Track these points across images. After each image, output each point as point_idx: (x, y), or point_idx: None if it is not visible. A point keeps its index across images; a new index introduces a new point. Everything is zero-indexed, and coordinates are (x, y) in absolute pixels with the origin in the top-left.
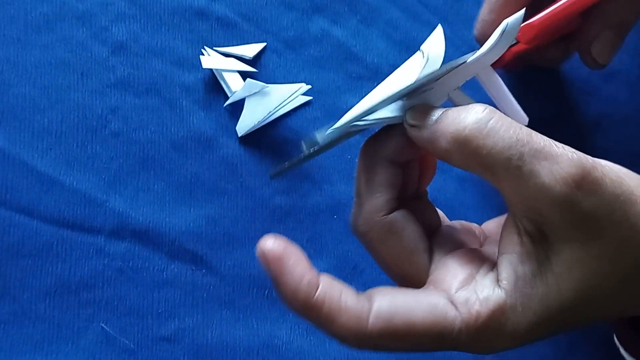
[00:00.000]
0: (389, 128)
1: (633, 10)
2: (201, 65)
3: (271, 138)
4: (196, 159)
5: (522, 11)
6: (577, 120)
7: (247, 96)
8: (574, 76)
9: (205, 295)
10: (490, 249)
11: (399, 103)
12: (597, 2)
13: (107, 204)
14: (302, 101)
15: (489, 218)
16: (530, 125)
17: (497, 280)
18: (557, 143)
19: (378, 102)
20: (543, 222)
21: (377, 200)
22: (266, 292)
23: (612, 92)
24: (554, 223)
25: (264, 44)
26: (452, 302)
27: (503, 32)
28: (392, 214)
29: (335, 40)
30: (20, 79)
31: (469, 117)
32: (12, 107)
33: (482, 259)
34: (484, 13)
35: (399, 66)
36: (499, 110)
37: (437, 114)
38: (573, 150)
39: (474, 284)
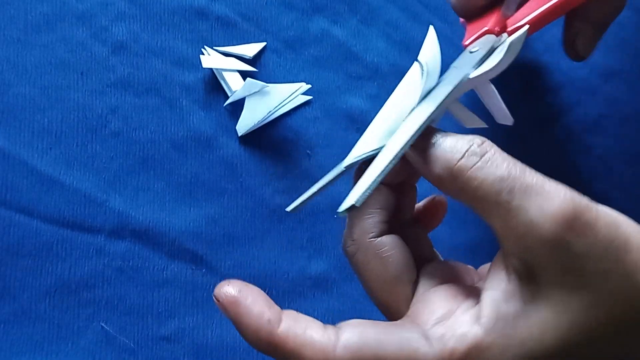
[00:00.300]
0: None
1: (612, 8)
2: (201, 65)
3: (271, 138)
4: (196, 158)
5: (526, 28)
6: (576, 120)
7: (247, 96)
8: (573, 76)
9: (205, 294)
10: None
11: None
12: (584, 2)
13: (107, 204)
14: (302, 100)
15: None
16: (530, 125)
17: (478, 317)
18: (551, 180)
19: (402, 145)
20: (532, 262)
21: (367, 222)
22: (265, 291)
23: (611, 92)
24: (543, 263)
25: (264, 43)
26: (427, 338)
27: (508, 49)
28: (381, 238)
29: (335, 40)
30: (20, 79)
31: (465, 147)
32: (12, 107)
33: (466, 295)
34: None
35: (398, 66)
36: (488, 109)
37: (436, 138)
38: (567, 188)
39: (453, 319)
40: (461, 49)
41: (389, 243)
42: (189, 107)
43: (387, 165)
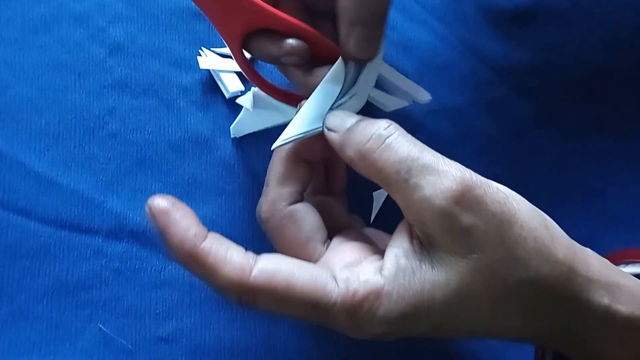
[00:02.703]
0: None
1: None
2: (198, 66)
3: (268, 138)
4: (194, 159)
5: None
6: (575, 120)
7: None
8: (571, 75)
9: (202, 295)
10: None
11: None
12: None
13: (105, 205)
14: None
15: None
16: (530, 125)
17: (381, 269)
18: (447, 160)
19: (312, 116)
20: (428, 231)
21: (283, 191)
22: None
23: (610, 91)
24: (436, 233)
25: None
26: (334, 278)
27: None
28: (294, 205)
29: None
30: (17, 80)
31: (372, 130)
32: (10, 108)
33: (373, 252)
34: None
35: (395, 66)
36: (403, 92)
37: (351, 122)
38: (461, 168)
39: (359, 267)
40: (458, 49)
41: (301, 209)
42: (186, 108)
43: (302, 131)
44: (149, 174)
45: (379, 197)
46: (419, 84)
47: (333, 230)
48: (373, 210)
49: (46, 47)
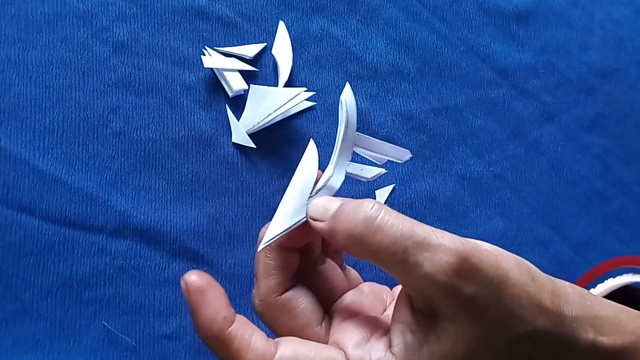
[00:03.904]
0: None
1: None
2: (202, 65)
3: (271, 137)
4: (197, 158)
5: (347, 85)
6: (575, 119)
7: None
8: (572, 75)
9: None
10: (389, 315)
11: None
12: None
13: (109, 203)
14: (305, 106)
15: (487, 217)
16: (531, 124)
17: (390, 346)
18: (437, 232)
19: (294, 208)
20: (431, 304)
21: (271, 283)
22: None
23: (610, 91)
24: (440, 305)
25: (265, 44)
26: (348, 359)
27: (346, 108)
28: (285, 294)
29: (335, 40)
30: (21, 79)
31: (359, 215)
32: (14, 107)
33: (377, 325)
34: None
35: (397, 65)
36: (383, 157)
37: (333, 207)
38: (452, 238)
39: (369, 345)
40: (460, 48)
41: (292, 296)
42: (189, 106)
43: (279, 234)
44: (152, 172)
45: (381, 196)
46: (420, 84)
47: (331, 295)
48: None
49: (50, 46)
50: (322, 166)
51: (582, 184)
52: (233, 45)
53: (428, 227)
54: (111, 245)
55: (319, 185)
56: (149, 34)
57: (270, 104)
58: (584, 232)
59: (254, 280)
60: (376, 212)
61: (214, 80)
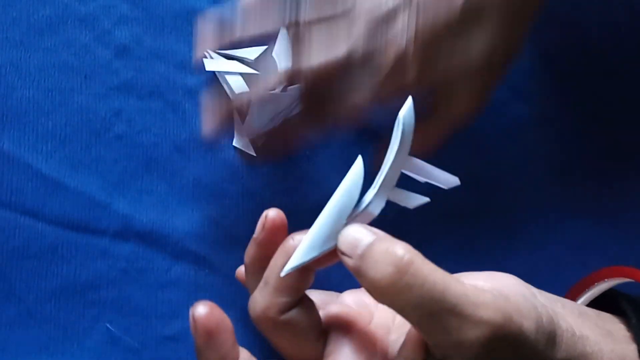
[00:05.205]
0: None
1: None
2: (204, 68)
3: None
4: (199, 161)
5: (410, 99)
6: (574, 120)
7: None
8: (571, 75)
9: (208, 295)
10: (379, 330)
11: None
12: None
13: (112, 206)
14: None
15: (489, 218)
16: (530, 125)
17: None
18: (472, 296)
19: (328, 232)
20: (449, 356)
21: (279, 301)
22: None
23: (610, 92)
24: None
25: (266, 46)
26: None
27: (403, 128)
28: (287, 313)
29: None
30: (23, 82)
31: (388, 267)
32: (16, 110)
33: (373, 344)
34: None
35: None
36: (430, 182)
37: (363, 244)
38: (491, 303)
39: None
40: None
41: (294, 316)
42: (191, 110)
43: (308, 259)
44: (154, 176)
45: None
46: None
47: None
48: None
49: (52, 49)
50: (325, 175)
51: (579, 185)
52: (235, 48)
53: (463, 287)
54: (114, 248)
55: (356, 212)
56: (150, 37)
57: (273, 106)
58: (580, 235)
59: (260, 283)
60: (407, 266)
61: (216, 84)
